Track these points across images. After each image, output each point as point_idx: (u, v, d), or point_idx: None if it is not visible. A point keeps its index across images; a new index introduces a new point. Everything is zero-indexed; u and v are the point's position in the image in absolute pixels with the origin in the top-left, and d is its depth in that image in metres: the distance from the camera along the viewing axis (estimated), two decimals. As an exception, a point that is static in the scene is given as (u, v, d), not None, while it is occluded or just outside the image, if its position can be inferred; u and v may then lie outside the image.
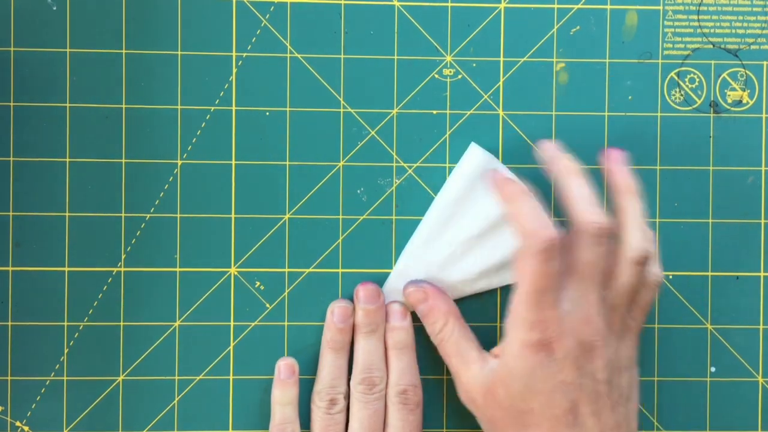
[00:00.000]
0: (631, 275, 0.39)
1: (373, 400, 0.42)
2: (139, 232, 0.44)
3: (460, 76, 0.44)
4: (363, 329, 0.42)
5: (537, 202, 0.39)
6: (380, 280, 0.44)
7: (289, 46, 0.44)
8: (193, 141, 0.44)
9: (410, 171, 0.44)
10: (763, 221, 0.45)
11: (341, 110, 0.44)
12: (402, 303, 0.43)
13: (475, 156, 0.43)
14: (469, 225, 0.42)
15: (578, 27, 0.44)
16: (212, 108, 0.44)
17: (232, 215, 0.44)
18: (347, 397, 0.42)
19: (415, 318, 0.43)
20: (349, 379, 0.43)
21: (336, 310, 0.43)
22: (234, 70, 0.44)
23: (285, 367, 0.43)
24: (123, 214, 0.44)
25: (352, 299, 0.43)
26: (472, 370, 0.40)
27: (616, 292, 0.39)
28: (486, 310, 0.44)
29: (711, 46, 0.45)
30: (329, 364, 0.42)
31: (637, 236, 0.39)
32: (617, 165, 0.41)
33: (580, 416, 0.37)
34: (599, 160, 0.42)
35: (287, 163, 0.44)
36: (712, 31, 0.45)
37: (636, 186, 0.40)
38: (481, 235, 0.42)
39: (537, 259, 0.37)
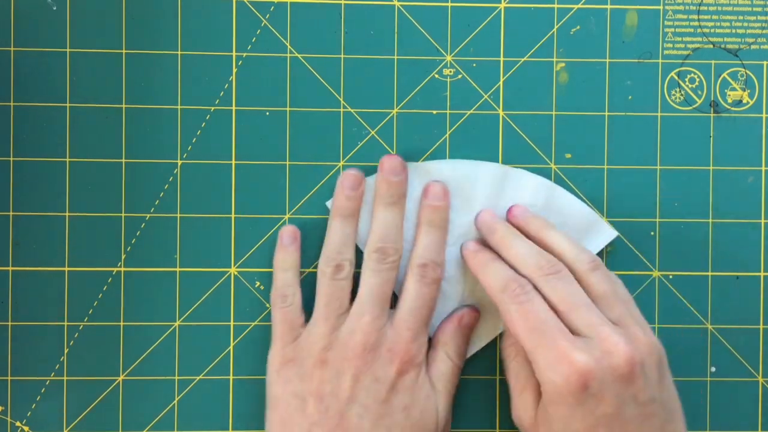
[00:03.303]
0: (597, 280, 0.40)
1: (385, 270, 0.41)
2: (139, 232, 0.44)
3: (460, 76, 0.44)
4: (383, 200, 0.42)
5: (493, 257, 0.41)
6: (380, 280, 0.44)
7: (289, 46, 0.44)
8: (193, 141, 0.44)
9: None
10: (763, 221, 0.45)
11: (341, 110, 0.44)
12: (443, 184, 0.43)
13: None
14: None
15: (578, 27, 0.44)
16: (212, 108, 0.44)
17: (232, 215, 0.44)
18: (353, 265, 0.42)
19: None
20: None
21: (346, 177, 0.43)
22: (234, 70, 0.44)
23: (287, 234, 0.43)
24: (123, 214, 0.44)
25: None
26: (524, 399, 0.40)
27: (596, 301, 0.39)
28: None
29: (711, 46, 0.45)
30: (336, 231, 0.42)
31: (574, 250, 0.41)
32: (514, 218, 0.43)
33: None
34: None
35: (287, 163, 0.44)
36: (712, 30, 0.45)
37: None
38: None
39: (516, 303, 0.39)
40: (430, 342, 0.43)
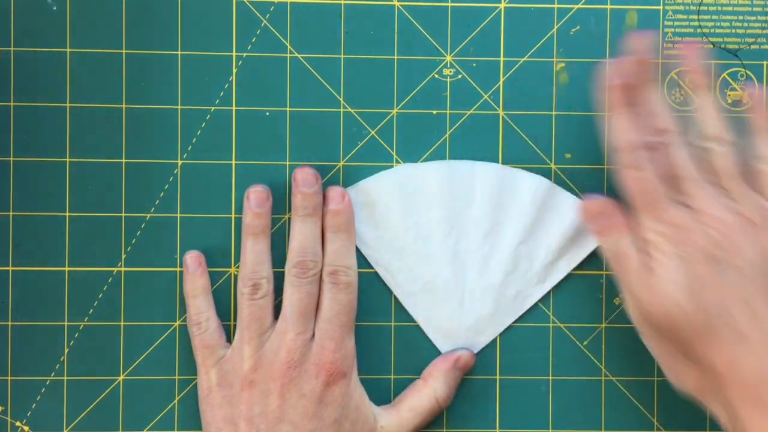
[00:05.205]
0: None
1: (306, 283, 0.41)
2: (139, 232, 0.44)
3: (460, 76, 0.44)
4: (300, 212, 0.42)
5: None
6: (382, 281, 0.44)
7: (289, 46, 0.44)
8: (193, 141, 0.44)
9: (410, 171, 0.44)
10: (763, 221, 0.45)
11: (341, 110, 0.44)
12: (340, 186, 0.43)
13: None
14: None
15: (578, 27, 0.44)
16: (212, 108, 0.44)
17: (232, 215, 0.44)
18: (272, 281, 0.42)
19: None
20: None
21: (252, 195, 0.42)
22: (234, 70, 0.44)
23: (191, 260, 0.43)
24: (123, 214, 0.44)
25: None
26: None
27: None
28: (486, 310, 0.44)
29: (711, 46, 0.45)
30: (249, 249, 0.42)
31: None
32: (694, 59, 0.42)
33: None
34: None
35: (287, 163, 0.44)
36: (712, 31, 0.45)
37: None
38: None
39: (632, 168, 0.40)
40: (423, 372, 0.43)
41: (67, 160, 0.44)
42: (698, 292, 0.38)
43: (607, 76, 0.41)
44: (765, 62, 0.45)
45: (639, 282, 0.39)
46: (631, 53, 0.41)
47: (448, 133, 0.44)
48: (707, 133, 0.41)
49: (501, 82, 0.44)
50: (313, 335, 0.41)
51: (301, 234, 0.42)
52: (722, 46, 0.45)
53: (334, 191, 0.43)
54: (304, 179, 0.42)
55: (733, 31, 0.45)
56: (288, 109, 0.44)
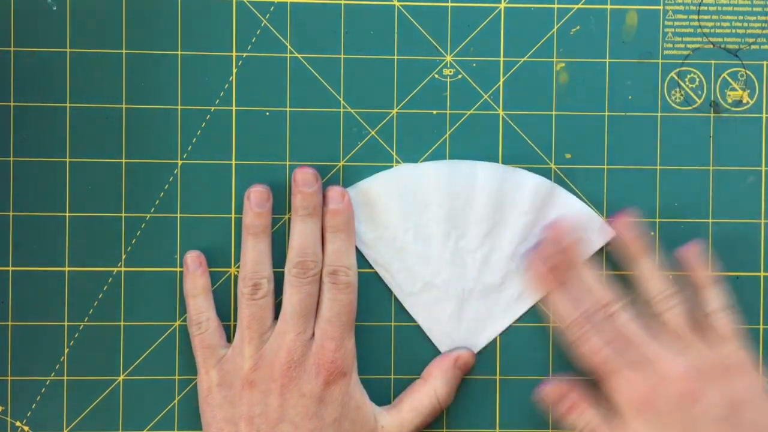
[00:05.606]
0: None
1: (306, 283, 0.41)
2: (139, 232, 0.44)
3: (460, 76, 0.44)
4: (299, 212, 0.42)
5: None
6: (382, 281, 0.44)
7: (289, 46, 0.44)
8: (193, 141, 0.44)
9: (410, 171, 0.44)
10: (763, 221, 0.45)
11: (341, 110, 0.44)
12: (340, 186, 0.43)
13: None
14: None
15: (578, 27, 0.44)
16: (212, 108, 0.44)
17: (232, 215, 0.44)
18: (272, 281, 0.42)
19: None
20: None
21: (252, 195, 0.42)
22: (234, 70, 0.44)
23: (191, 259, 0.43)
24: (123, 214, 0.44)
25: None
26: None
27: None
28: (486, 310, 0.44)
29: (711, 46, 0.45)
30: (250, 249, 0.42)
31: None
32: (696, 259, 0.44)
33: None
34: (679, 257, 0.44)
35: (287, 163, 0.44)
36: (712, 31, 0.45)
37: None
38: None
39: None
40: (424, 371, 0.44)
41: (67, 160, 0.44)
42: None
43: (531, 264, 0.43)
44: (765, 62, 0.45)
45: None
46: (552, 239, 0.43)
47: (448, 133, 0.44)
48: (653, 295, 0.43)
49: (501, 82, 0.44)
50: (314, 335, 0.42)
51: (301, 234, 0.42)
52: (722, 46, 0.45)
53: (334, 191, 0.43)
54: (303, 179, 0.42)
55: (733, 31, 0.45)
56: (288, 109, 0.44)
